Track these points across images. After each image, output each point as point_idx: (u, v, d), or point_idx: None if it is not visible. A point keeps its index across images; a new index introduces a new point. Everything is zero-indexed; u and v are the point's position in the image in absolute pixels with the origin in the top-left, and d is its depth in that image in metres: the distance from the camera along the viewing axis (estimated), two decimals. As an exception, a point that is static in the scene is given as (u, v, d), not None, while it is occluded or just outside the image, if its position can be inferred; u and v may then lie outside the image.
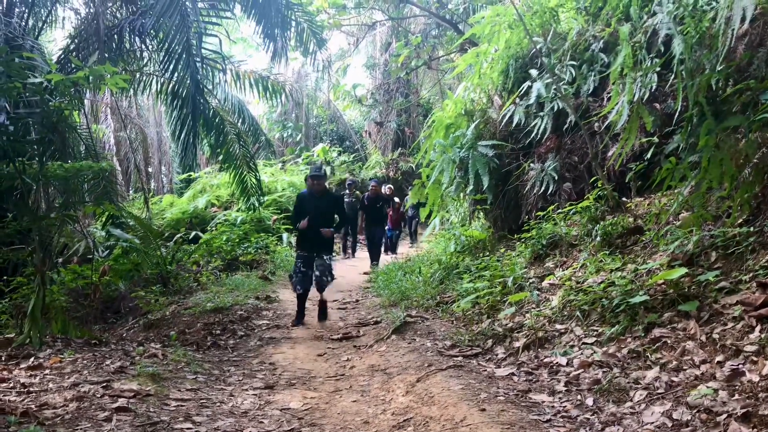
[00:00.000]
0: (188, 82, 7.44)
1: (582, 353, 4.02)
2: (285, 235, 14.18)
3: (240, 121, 11.71)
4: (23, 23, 8.35)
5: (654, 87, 5.55)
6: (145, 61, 10.13)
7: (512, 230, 7.94)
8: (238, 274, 10.89)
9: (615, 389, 3.35)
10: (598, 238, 5.63)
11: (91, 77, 5.42)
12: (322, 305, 7.38)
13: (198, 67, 7.48)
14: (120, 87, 5.68)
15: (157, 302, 8.65)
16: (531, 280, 5.84)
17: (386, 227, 13.82)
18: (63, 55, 8.83)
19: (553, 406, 3.38)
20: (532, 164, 7.49)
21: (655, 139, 5.82)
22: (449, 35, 14.82)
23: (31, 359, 4.80)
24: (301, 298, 7.20)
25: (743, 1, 3.82)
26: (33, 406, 3.55)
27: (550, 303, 5.07)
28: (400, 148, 22.29)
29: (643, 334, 3.80)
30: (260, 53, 24.32)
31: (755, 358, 3.03)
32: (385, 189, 15.06)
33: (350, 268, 12.56)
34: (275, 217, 15.01)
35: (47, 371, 4.49)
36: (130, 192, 20.19)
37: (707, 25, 4.56)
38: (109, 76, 5.42)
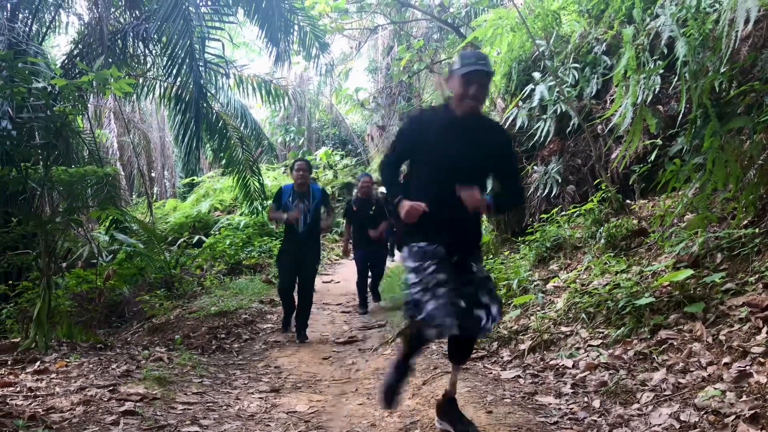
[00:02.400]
0: (191, 86, 7.46)
1: (588, 355, 4.02)
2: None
3: (243, 125, 11.73)
4: (27, 29, 8.38)
5: (657, 89, 5.56)
6: (149, 65, 10.16)
7: (516, 233, 7.94)
8: (241, 278, 10.90)
9: (622, 391, 3.35)
10: (603, 241, 5.63)
11: (95, 82, 5.45)
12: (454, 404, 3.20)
13: (201, 71, 7.50)
14: (125, 91, 5.70)
15: (162, 306, 8.66)
16: (535, 283, 5.83)
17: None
18: (67, 60, 8.86)
19: (560, 408, 3.38)
20: (535, 167, 7.49)
21: (659, 141, 5.83)
22: (451, 38, 14.85)
23: (37, 363, 4.80)
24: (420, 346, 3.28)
25: (747, 3, 3.83)
26: (40, 410, 3.55)
27: (555, 305, 5.06)
28: (402, 152, 22.26)
29: (649, 336, 3.80)
30: (263, 57, 24.39)
31: (762, 360, 3.02)
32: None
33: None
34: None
35: (53, 375, 4.49)
36: (134, 196, 20.24)
37: (710, 27, 4.56)
38: (113, 80, 5.44)
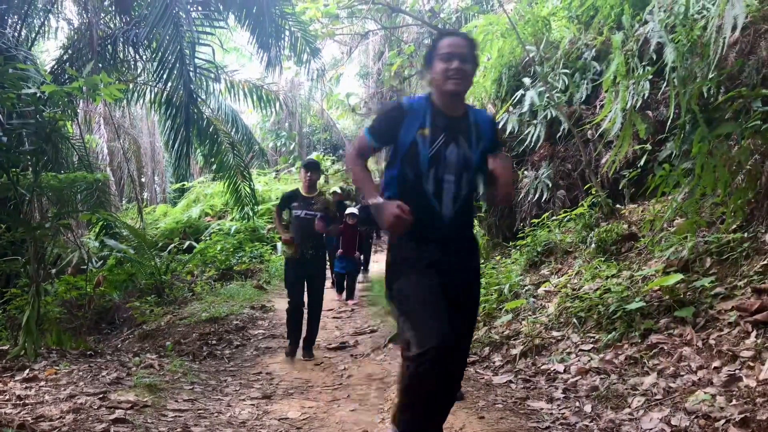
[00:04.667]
0: (181, 91, 7.42)
1: (579, 360, 4.03)
2: (279, 245, 14.13)
3: (233, 130, 11.70)
4: (16, 34, 8.32)
5: (646, 95, 5.60)
6: (139, 70, 10.12)
7: (507, 238, 7.96)
8: (232, 284, 10.86)
9: (613, 396, 3.36)
10: (593, 245, 5.66)
11: (85, 87, 5.42)
12: None
13: (191, 76, 7.46)
14: (115, 97, 5.68)
15: (152, 313, 8.61)
16: (527, 288, 5.85)
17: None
18: (57, 66, 8.81)
19: (551, 413, 3.39)
20: (526, 172, 7.53)
21: (648, 146, 5.86)
22: (442, 44, 14.84)
23: (27, 371, 4.76)
24: None
25: (734, 10, 3.87)
26: (29, 419, 3.52)
27: (546, 310, 5.08)
28: (393, 157, 22.29)
29: (639, 341, 3.82)
30: (254, 63, 24.26)
31: (752, 364, 3.05)
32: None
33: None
34: (269, 226, 14.97)
35: (43, 383, 4.46)
36: (124, 202, 20.14)
37: (698, 34, 4.60)
38: (103, 85, 5.42)
